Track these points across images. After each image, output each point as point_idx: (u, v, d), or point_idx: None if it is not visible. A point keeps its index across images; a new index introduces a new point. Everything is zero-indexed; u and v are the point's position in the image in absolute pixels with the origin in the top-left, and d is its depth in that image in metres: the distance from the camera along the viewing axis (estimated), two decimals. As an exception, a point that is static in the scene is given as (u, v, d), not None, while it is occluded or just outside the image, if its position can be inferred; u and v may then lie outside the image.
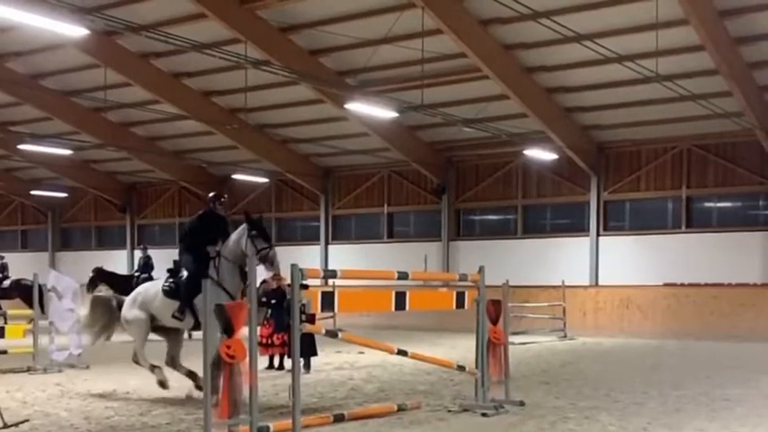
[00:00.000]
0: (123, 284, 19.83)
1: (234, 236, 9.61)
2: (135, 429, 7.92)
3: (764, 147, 20.48)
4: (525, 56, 19.54)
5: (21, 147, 24.68)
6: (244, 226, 9.50)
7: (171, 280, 10.09)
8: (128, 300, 10.66)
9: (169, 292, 9.97)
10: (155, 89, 22.49)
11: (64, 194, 32.62)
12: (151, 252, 31.09)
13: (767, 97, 19.67)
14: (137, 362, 10.49)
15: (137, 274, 20.21)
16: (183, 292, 9.77)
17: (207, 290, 8.89)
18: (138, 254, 21.56)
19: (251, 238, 9.37)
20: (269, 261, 9.29)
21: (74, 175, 30.98)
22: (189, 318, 9.79)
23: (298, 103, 23.06)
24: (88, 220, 34.39)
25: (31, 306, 23.77)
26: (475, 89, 20.73)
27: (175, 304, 9.87)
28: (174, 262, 10.37)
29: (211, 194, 10.43)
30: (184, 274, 9.93)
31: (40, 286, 25.46)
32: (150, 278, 20.04)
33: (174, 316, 9.81)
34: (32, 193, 32.84)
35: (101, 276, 19.07)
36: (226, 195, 10.37)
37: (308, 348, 11.91)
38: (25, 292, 25.38)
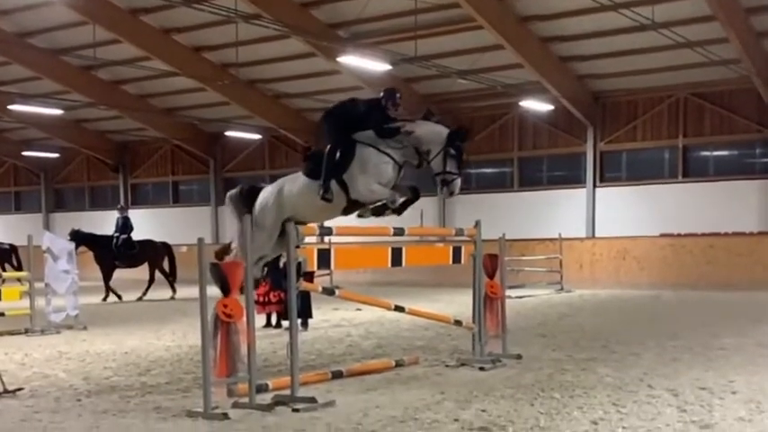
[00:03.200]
0: (102, 245, 19.69)
1: (429, 127, 8.22)
2: (134, 389, 7.93)
3: (761, 94, 20.29)
4: (519, 5, 19.21)
5: (10, 107, 24.37)
6: (446, 133, 8.15)
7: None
8: (268, 192, 8.80)
9: (312, 173, 8.39)
10: (145, 46, 22.12)
11: (56, 155, 32.37)
12: (145, 211, 31.30)
13: (764, 43, 19.42)
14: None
15: (116, 234, 19.90)
16: (325, 163, 8.23)
17: (363, 151, 7.97)
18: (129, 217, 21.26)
19: (446, 153, 8.09)
20: (450, 189, 8.18)
21: (65, 135, 30.69)
22: (340, 195, 8.27)
23: (289, 58, 22.73)
24: (81, 181, 34.18)
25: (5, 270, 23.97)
26: (469, 40, 20.42)
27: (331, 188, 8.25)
28: (309, 150, 8.96)
29: (386, 90, 8.60)
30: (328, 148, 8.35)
31: (14, 248, 25.23)
32: (129, 239, 19.95)
33: (322, 197, 8.18)
34: (24, 153, 32.56)
35: (78, 238, 18.57)
36: (401, 95, 8.51)
37: (305, 308, 11.93)
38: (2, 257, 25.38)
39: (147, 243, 20.63)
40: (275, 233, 8.50)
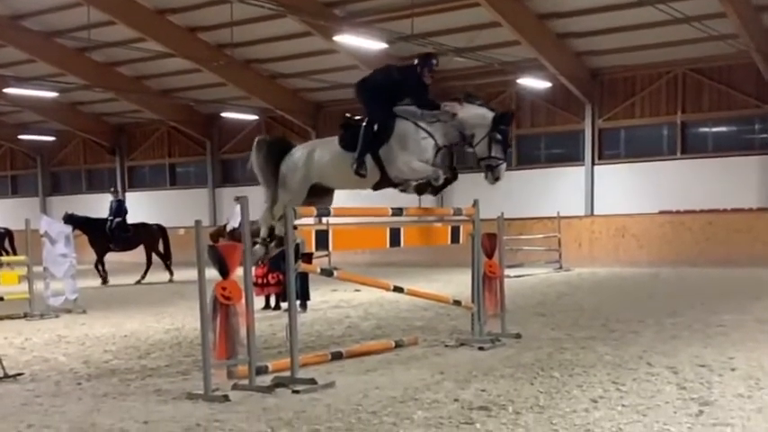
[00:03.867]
0: (97, 229, 19.55)
1: (473, 111, 7.95)
2: (134, 372, 7.94)
3: (760, 69, 20.17)
4: (517, -19, 19.07)
5: (5, 90, 24.22)
6: (491, 117, 7.91)
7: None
8: (298, 153, 8.59)
9: (347, 144, 8.20)
10: (139, 27, 21.94)
11: (52, 138, 32.24)
12: (142, 194, 31.23)
13: (763, 18, 19.27)
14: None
15: (110, 218, 19.76)
16: (362, 136, 8.02)
17: (402, 127, 7.72)
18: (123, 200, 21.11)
19: (491, 138, 7.87)
20: (495, 175, 7.97)
21: (61, 117, 30.55)
22: (374, 171, 8.12)
23: (285, 37, 22.56)
24: (78, 164, 34.08)
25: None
26: (466, 17, 20.25)
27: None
28: (347, 119, 8.52)
29: (421, 56, 8.34)
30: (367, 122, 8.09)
31: (9, 232, 24.81)
32: (124, 222, 19.84)
33: (356, 172, 8.04)
34: (20, 137, 32.42)
35: (72, 222, 18.01)
36: (437, 61, 8.27)
37: (303, 289, 11.94)
38: None
39: (142, 226, 20.59)
40: (301, 196, 8.45)
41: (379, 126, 8.03)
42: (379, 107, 8.13)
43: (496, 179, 8.01)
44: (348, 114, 8.59)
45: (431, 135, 7.98)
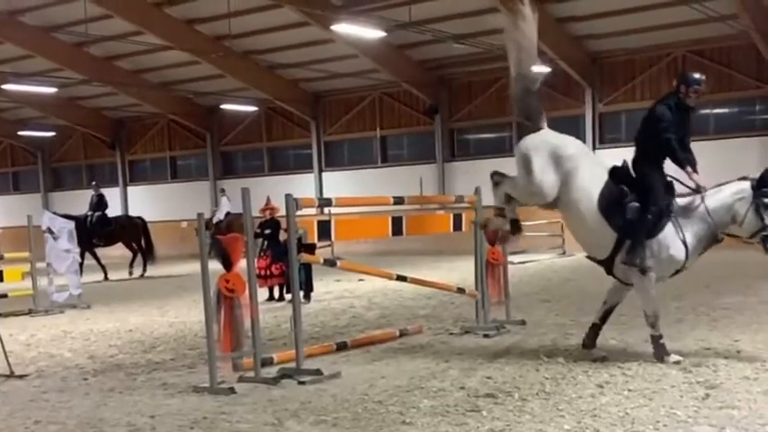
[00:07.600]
0: (78, 225, 19.23)
1: (727, 190, 7.21)
2: (140, 366, 7.95)
3: (760, 49, 20.07)
4: (514, -34, 18.92)
5: (4, 86, 24.17)
6: (749, 186, 7.01)
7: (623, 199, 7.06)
8: (549, 141, 7.47)
9: (605, 206, 7.00)
10: (136, 20, 21.85)
11: (52, 133, 32.18)
12: (142, 188, 31.17)
13: (763, -2, 19.18)
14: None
15: (90, 213, 19.51)
16: (641, 225, 6.92)
17: (668, 234, 6.76)
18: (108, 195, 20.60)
19: (758, 206, 6.86)
20: None
21: (61, 113, 30.48)
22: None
23: (283, 27, 22.46)
24: (78, 159, 34.00)
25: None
26: (463, 3, 20.15)
27: (608, 233, 7.00)
28: (621, 167, 7.36)
29: (682, 78, 7.23)
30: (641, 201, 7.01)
31: None
32: (105, 216, 19.60)
33: (624, 261, 7.06)
34: (20, 133, 32.36)
35: None
36: (701, 75, 7.23)
37: (307, 280, 11.94)
38: None
39: (123, 219, 20.48)
40: (540, 200, 7.56)
41: (656, 219, 6.97)
42: (662, 187, 7.13)
43: None
44: (624, 163, 7.41)
45: (686, 245, 7.08)
